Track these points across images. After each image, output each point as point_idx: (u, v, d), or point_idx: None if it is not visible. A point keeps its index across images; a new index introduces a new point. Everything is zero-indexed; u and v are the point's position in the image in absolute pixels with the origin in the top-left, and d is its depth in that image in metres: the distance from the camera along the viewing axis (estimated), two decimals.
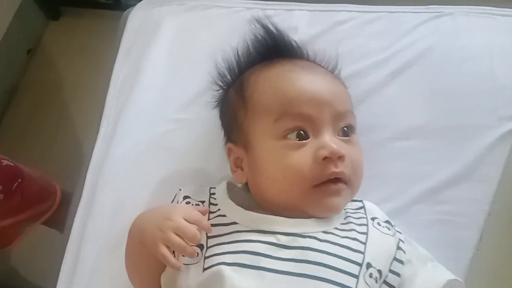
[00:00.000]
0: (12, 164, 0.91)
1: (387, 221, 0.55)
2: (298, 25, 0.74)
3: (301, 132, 0.51)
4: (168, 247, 0.47)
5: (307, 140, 0.50)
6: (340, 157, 0.49)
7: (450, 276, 0.52)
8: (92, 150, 0.69)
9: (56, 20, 1.59)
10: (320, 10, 0.76)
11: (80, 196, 0.67)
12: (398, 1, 0.76)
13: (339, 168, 0.49)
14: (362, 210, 0.55)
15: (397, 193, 0.61)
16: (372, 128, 0.65)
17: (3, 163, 0.88)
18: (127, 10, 0.81)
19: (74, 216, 0.66)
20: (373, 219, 0.54)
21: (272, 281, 0.45)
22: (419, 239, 0.56)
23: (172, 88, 0.72)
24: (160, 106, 0.70)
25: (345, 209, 0.55)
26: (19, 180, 0.91)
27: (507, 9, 0.73)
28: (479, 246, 0.58)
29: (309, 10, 0.76)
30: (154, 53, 0.75)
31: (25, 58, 1.52)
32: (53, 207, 1.00)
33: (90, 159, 0.68)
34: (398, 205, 0.60)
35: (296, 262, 0.46)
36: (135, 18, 0.80)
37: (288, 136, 0.51)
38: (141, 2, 0.81)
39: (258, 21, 0.59)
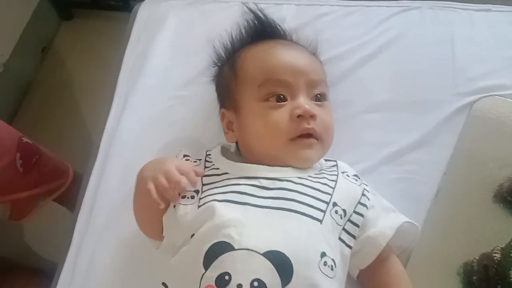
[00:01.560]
0: (31, 142, 1.00)
1: (355, 175, 0.65)
2: (286, 16, 0.84)
3: (280, 95, 0.61)
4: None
5: (285, 102, 0.61)
6: (312, 116, 0.60)
7: (406, 219, 0.62)
8: (105, 124, 0.80)
9: (69, 20, 1.70)
10: (305, 4, 0.87)
11: (95, 162, 0.76)
12: None
13: (310, 125, 0.59)
14: (335, 167, 0.65)
15: (367, 156, 0.71)
16: (347, 103, 0.75)
17: (23, 140, 0.97)
18: (137, 5, 0.92)
19: (88, 178, 0.75)
20: (343, 172, 0.64)
21: (254, 213, 0.54)
22: (384, 194, 0.66)
23: (174, 70, 0.82)
24: (163, 86, 0.81)
25: (319, 166, 0.65)
26: (37, 157, 1.00)
27: (468, 4, 0.84)
28: (435, 199, 0.67)
29: (296, 4, 0.87)
30: (159, 41, 0.86)
31: (40, 56, 1.63)
32: (66, 184, 1.08)
33: (103, 131, 0.78)
34: (367, 166, 0.70)
35: (274, 199, 0.56)
36: (143, 11, 0.91)
37: (270, 99, 0.61)
38: None
39: (249, 8, 0.70)
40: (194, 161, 0.66)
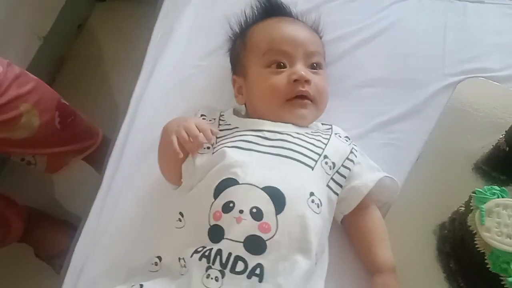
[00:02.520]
0: (67, 104, 1.13)
1: (346, 137, 0.75)
2: (297, 1, 0.95)
3: (281, 63, 0.72)
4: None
5: (285, 69, 0.72)
6: (307, 81, 0.71)
7: (387, 174, 0.72)
8: (135, 86, 0.92)
9: (103, 1, 1.84)
10: None
11: (124, 118, 0.89)
12: None
13: (305, 88, 0.70)
14: (330, 130, 0.76)
15: (359, 124, 0.81)
16: (345, 77, 0.85)
17: (61, 100, 1.10)
18: None
19: (119, 132, 0.88)
20: (336, 133, 0.74)
21: (257, 157, 0.66)
22: (372, 156, 0.76)
23: (196, 43, 0.94)
24: (186, 56, 0.92)
25: (316, 127, 0.76)
26: (73, 117, 1.11)
27: None
28: (416, 162, 0.77)
29: None
30: (185, 18, 0.97)
31: (76, 32, 1.77)
32: (96, 145, 1.20)
33: (133, 92, 0.91)
34: (359, 132, 0.80)
35: (275, 147, 0.67)
36: None
37: (271, 66, 0.72)
38: None
39: None
40: (209, 120, 0.77)
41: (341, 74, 0.85)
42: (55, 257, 1.19)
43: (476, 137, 0.77)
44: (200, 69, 0.91)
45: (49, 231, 1.26)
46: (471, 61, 0.84)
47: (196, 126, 0.68)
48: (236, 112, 0.79)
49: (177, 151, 0.66)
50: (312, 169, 0.66)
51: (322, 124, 0.78)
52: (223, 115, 0.78)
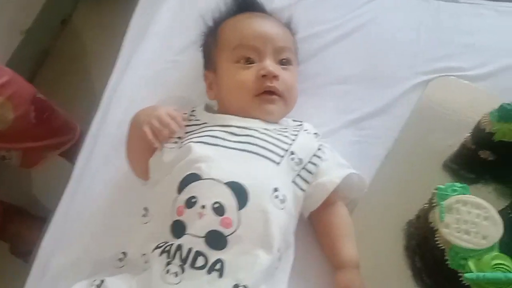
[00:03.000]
0: (44, 99, 1.12)
1: (315, 133, 0.75)
2: None
3: (249, 58, 0.72)
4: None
5: (253, 64, 0.72)
6: (275, 77, 0.71)
7: (354, 171, 0.72)
8: (109, 78, 0.91)
9: None
10: None
11: (97, 109, 0.88)
12: None
13: (273, 83, 0.70)
14: (300, 126, 0.76)
15: (330, 121, 0.81)
16: (319, 75, 0.86)
17: (37, 95, 1.09)
18: None
19: (91, 122, 0.87)
20: (305, 130, 0.74)
21: (222, 152, 0.66)
22: (342, 153, 0.76)
23: (172, 38, 0.93)
24: (162, 50, 0.92)
25: (286, 124, 0.76)
26: (49, 112, 1.10)
27: None
28: (385, 159, 0.78)
29: None
30: (162, 13, 0.97)
31: (59, 27, 1.76)
32: (73, 140, 1.20)
33: (107, 84, 0.90)
34: (330, 128, 0.80)
35: (241, 143, 0.67)
36: None
37: (241, 61, 0.72)
38: None
39: None
40: None
41: (315, 71, 0.85)
42: (30, 254, 1.17)
43: (444, 135, 0.78)
44: (175, 63, 0.91)
45: (25, 227, 1.24)
46: (442, 60, 0.85)
47: (167, 114, 0.69)
48: (208, 108, 0.78)
49: (152, 141, 0.67)
50: (278, 165, 0.66)
51: (293, 120, 0.78)
52: (195, 110, 0.77)
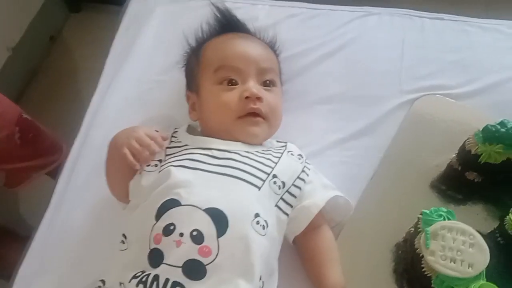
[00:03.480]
0: (30, 119, 1.10)
1: (299, 155, 0.74)
2: (258, 15, 0.95)
3: (232, 80, 0.71)
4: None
5: (236, 86, 0.71)
6: (258, 98, 0.69)
7: (340, 193, 0.70)
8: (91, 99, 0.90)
9: (77, 13, 1.82)
10: (277, 6, 0.97)
11: (78, 132, 0.87)
12: (341, 2, 0.97)
13: (256, 105, 0.69)
14: (283, 147, 0.74)
15: (315, 141, 0.80)
16: (303, 94, 0.85)
17: (23, 116, 1.07)
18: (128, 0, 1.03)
19: (71, 147, 0.86)
20: (288, 151, 0.73)
21: (202, 176, 0.64)
22: (327, 174, 0.74)
23: (156, 58, 0.92)
24: (145, 70, 0.91)
25: (270, 145, 0.74)
26: (34, 133, 1.09)
27: (424, 12, 0.94)
28: (371, 181, 0.76)
29: (270, 5, 0.97)
30: (145, 32, 0.96)
31: (48, 44, 1.75)
32: (59, 160, 1.18)
33: (89, 105, 0.89)
34: (314, 149, 0.79)
35: (221, 167, 0.65)
36: (134, 5, 1.02)
37: (223, 82, 0.71)
38: None
39: (216, 6, 0.80)
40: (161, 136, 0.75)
41: (299, 90, 0.84)
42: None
43: (431, 154, 0.76)
44: (159, 84, 0.89)
45: (10, 248, 1.21)
46: (427, 78, 0.85)
47: (146, 135, 0.67)
48: (190, 129, 0.77)
49: (133, 164, 0.66)
50: (259, 189, 0.64)
51: (277, 141, 0.76)
52: (177, 131, 0.76)
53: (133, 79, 0.90)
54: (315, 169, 0.74)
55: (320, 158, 0.78)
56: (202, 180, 0.64)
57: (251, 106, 0.69)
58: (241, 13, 0.94)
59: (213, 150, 0.68)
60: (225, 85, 0.71)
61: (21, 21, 1.61)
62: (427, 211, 0.60)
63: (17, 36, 1.59)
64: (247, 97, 0.69)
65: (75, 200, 0.79)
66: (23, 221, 1.36)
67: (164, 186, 0.64)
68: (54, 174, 1.19)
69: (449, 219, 0.58)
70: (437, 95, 0.82)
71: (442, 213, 0.58)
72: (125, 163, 0.67)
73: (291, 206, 0.67)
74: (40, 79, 1.70)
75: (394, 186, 0.75)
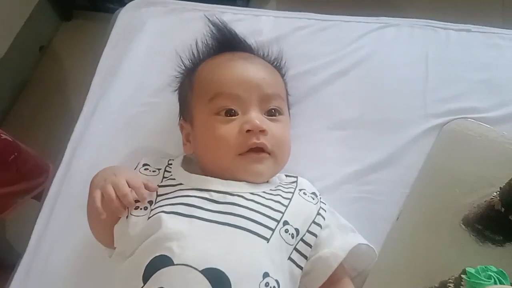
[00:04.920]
0: (11, 139, 1.00)
1: (313, 193, 0.64)
2: (262, 29, 0.84)
3: (231, 110, 0.61)
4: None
5: (236, 117, 0.61)
6: (262, 131, 0.59)
7: (362, 241, 0.60)
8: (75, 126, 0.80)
9: (68, 21, 1.73)
10: (283, 17, 0.87)
11: (60, 164, 0.77)
12: (355, 12, 0.87)
13: (260, 140, 0.59)
14: (294, 184, 0.64)
15: (329, 174, 0.70)
16: (313, 118, 0.74)
17: (1, 136, 0.98)
18: (118, 9, 0.93)
19: (52, 180, 0.76)
20: (300, 189, 0.63)
21: (199, 226, 0.54)
22: (344, 213, 0.64)
23: (148, 77, 0.82)
24: (135, 91, 0.81)
25: (279, 182, 0.64)
26: (16, 154, 1.00)
27: (449, 23, 0.83)
28: (396, 221, 0.66)
29: (275, 17, 0.87)
30: (136, 48, 0.86)
31: (37, 55, 1.65)
32: (45, 184, 1.09)
33: (72, 134, 0.79)
34: (329, 183, 0.69)
35: (222, 213, 0.55)
36: (123, 17, 0.91)
37: (220, 112, 0.61)
38: (130, 3, 0.93)
39: (211, 20, 0.70)
40: (153, 171, 0.65)
41: (308, 114, 0.74)
42: None
43: (465, 190, 0.66)
44: (150, 106, 0.79)
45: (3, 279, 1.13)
46: (456, 99, 0.74)
47: (127, 182, 0.56)
48: (187, 162, 0.67)
49: (99, 211, 0.55)
50: (268, 241, 0.54)
51: (286, 175, 0.66)
52: (171, 164, 0.66)
53: (121, 102, 0.80)
54: (331, 208, 0.64)
55: (335, 194, 0.68)
56: (198, 231, 0.54)
57: (254, 141, 0.59)
58: (243, 25, 0.85)
59: (212, 193, 0.58)
60: (222, 116, 0.61)
61: (9, 30, 1.52)
62: (473, 270, 0.49)
63: (4, 47, 1.49)
64: (248, 131, 0.59)
65: (56, 243, 0.69)
66: (10, 247, 1.27)
67: (153, 238, 0.53)
68: (40, 197, 1.10)
69: (500, 282, 0.48)
70: (469, 120, 0.72)
71: (492, 273, 0.48)
72: (107, 206, 0.57)
73: (305, 257, 0.57)
74: (29, 91, 1.62)
75: (422, 228, 0.65)
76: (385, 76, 0.77)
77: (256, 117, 0.60)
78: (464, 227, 0.65)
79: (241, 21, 0.86)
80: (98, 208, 0.55)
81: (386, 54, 0.79)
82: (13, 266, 1.19)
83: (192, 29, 0.85)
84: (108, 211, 0.58)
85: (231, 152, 0.59)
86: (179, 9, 0.90)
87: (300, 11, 0.87)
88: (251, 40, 0.72)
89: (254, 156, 0.59)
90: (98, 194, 0.55)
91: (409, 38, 0.81)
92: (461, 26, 0.82)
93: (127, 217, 0.58)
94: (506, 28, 0.82)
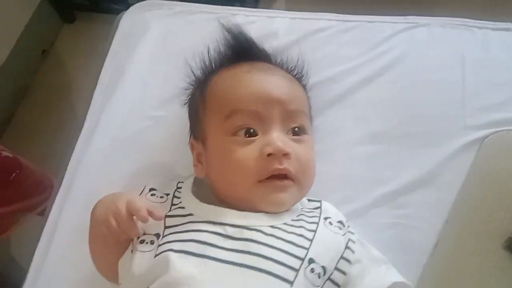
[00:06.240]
0: (11, 156, 0.96)
1: (340, 221, 0.56)
2: (278, 31, 0.77)
3: (250, 129, 0.53)
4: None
5: (256, 137, 0.53)
6: (285, 155, 0.52)
7: (398, 278, 0.53)
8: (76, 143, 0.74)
9: (71, 23, 1.67)
10: (300, 18, 0.79)
11: (60, 185, 0.70)
12: (379, 11, 0.79)
13: (283, 165, 0.51)
14: (318, 210, 0.57)
15: (357, 196, 0.62)
16: (338, 132, 0.67)
17: (2, 154, 0.93)
18: (120, 13, 0.86)
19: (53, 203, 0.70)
20: (326, 218, 0.55)
21: (213, 269, 0.47)
22: (375, 242, 0.58)
23: (152, 87, 0.75)
24: (140, 103, 0.74)
25: (301, 207, 0.57)
26: (17, 171, 0.95)
27: (485, 22, 0.75)
28: (434, 251, 0.58)
29: (291, 18, 0.79)
30: (139, 55, 0.79)
31: (39, 58, 1.60)
32: (49, 200, 1.04)
33: (73, 152, 0.72)
34: (357, 207, 0.62)
35: (239, 252, 0.48)
36: (126, 21, 0.84)
37: (238, 133, 0.54)
38: (133, 6, 0.86)
39: (225, 26, 0.62)
40: (161, 196, 0.58)
41: (332, 127, 0.67)
42: None
43: (510, 213, 0.58)
44: (157, 120, 0.72)
45: None
46: (499, 108, 0.66)
47: (127, 206, 0.50)
48: (197, 184, 0.60)
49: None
50: (292, 284, 0.47)
51: (309, 200, 0.59)
52: (180, 188, 0.59)
53: (125, 115, 0.73)
54: (361, 238, 0.56)
55: (364, 219, 0.61)
56: (212, 274, 0.47)
57: (276, 167, 0.51)
58: (256, 28, 0.77)
59: (226, 227, 0.51)
60: (241, 137, 0.53)
61: (10, 34, 1.47)
62: None
63: (6, 51, 1.44)
64: (270, 154, 0.51)
65: (55, 274, 0.63)
66: (15, 264, 1.23)
67: (161, 281, 0.47)
68: (43, 213, 1.06)
69: None
70: None
71: None
72: (111, 238, 0.52)
73: None
74: (31, 96, 1.57)
75: (465, 255, 0.58)
76: (417, 83, 0.69)
77: (278, 138, 0.52)
78: (507, 250, 0.58)
79: (253, 23, 0.78)
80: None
81: (417, 58, 0.71)
82: (17, 282, 1.16)
83: (200, 33, 0.78)
84: (112, 245, 0.53)
85: (250, 179, 0.52)
86: (185, 12, 0.82)
87: (314, 12, 0.79)
88: (265, 45, 0.65)
89: (276, 184, 0.52)
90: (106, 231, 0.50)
91: (442, 39, 0.73)
92: (499, 24, 0.74)
93: (132, 251, 0.52)
94: None
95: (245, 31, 0.62)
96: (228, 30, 0.62)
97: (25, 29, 1.50)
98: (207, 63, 0.63)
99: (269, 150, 0.51)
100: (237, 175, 0.52)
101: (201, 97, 0.60)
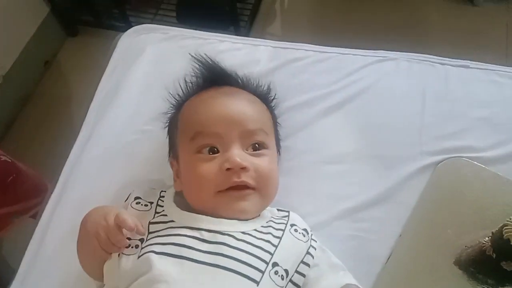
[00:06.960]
0: (9, 160, 1.01)
1: (304, 229, 0.63)
2: (260, 58, 0.84)
3: (213, 148, 0.60)
4: None
5: (217, 154, 0.60)
6: (243, 168, 0.58)
7: (351, 280, 0.59)
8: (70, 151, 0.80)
9: (74, 37, 1.75)
10: (281, 47, 0.86)
11: (53, 190, 0.77)
12: (352, 45, 0.87)
13: (240, 178, 0.58)
14: (285, 218, 0.64)
15: (322, 209, 0.69)
16: (309, 151, 0.74)
17: (1, 158, 0.99)
18: (119, 35, 0.94)
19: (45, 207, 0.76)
20: (292, 225, 0.62)
21: (189, 268, 0.53)
22: (335, 251, 0.63)
23: (144, 104, 0.82)
24: (131, 118, 0.81)
25: (271, 216, 0.64)
26: (14, 175, 1.01)
27: (446, 59, 0.83)
28: (387, 263, 0.65)
29: (273, 47, 0.87)
30: (134, 74, 0.86)
31: (42, 69, 1.67)
32: (43, 203, 1.10)
33: (67, 159, 0.79)
34: (321, 219, 0.68)
35: (212, 254, 0.54)
36: (124, 42, 0.92)
37: (202, 150, 0.60)
38: (132, 29, 0.94)
39: (196, 57, 0.69)
40: (145, 205, 0.64)
41: (303, 147, 0.74)
42: None
43: (458, 231, 0.65)
44: (145, 134, 0.78)
45: None
46: (452, 137, 0.73)
47: (116, 220, 0.56)
48: (179, 192, 0.66)
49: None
50: (258, 284, 0.53)
51: (278, 210, 0.66)
52: (163, 197, 0.65)
53: (117, 129, 0.80)
54: (322, 246, 0.63)
55: (328, 230, 0.67)
56: (188, 274, 0.53)
57: (234, 180, 0.58)
58: (242, 54, 0.86)
59: (202, 232, 0.57)
60: (204, 154, 0.60)
61: (14, 46, 1.54)
62: None
63: (10, 62, 1.51)
64: (228, 169, 0.58)
65: (44, 276, 0.68)
66: (6, 264, 1.27)
67: (143, 279, 0.53)
68: (36, 216, 1.10)
69: None
70: (464, 159, 0.71)
71: None
72: (100, 252, 0.57)
73: None
74: (32, 106, 1.63)
75: (415, 268, 0.64)
76: (381, 110, 0.77)
77: (237, 154, 0.59)
78: (457, 268, 0.65)
79: (239, 50, 0.86)
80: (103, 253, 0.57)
81: (383, 88, 0.79)
82: (7, 282, 1.20)
83: (188, 57, 0.86)
84: (99, 253, 0.58)
85: (210, 190, 0.59)
86: (178, 36, 0.90)
87: (304, 41, 0.86)
88: (246, 71, 0.72)
89: (235, 194, 0.58)
90: (94, 242, 0.56)
91: (406, 72, 0.81)
92: (460, 62, 0.82)
93: (119, 255, 0.57)
94: (509, 66, 0.81)
95: (215, 60, 0.69)
96: (199, 60, 0.69)
97: (29, 41, 1.57)
98: (183, 90, 0.70)
99: (227, 165, 0.58)
100: (200, 186, 0.59)
101: (175, 121, 0.67)
